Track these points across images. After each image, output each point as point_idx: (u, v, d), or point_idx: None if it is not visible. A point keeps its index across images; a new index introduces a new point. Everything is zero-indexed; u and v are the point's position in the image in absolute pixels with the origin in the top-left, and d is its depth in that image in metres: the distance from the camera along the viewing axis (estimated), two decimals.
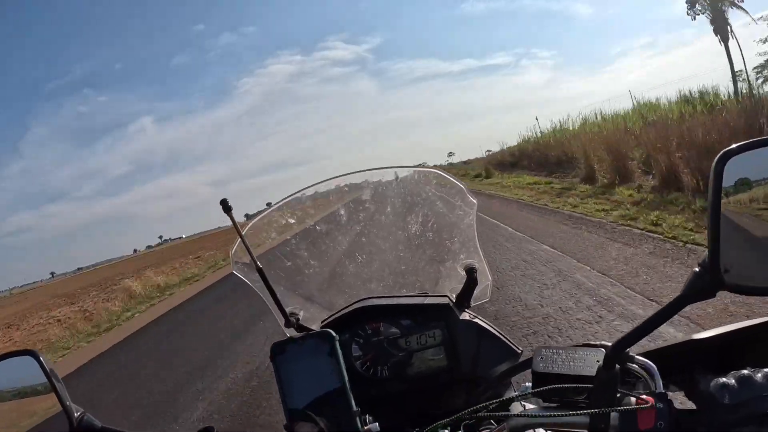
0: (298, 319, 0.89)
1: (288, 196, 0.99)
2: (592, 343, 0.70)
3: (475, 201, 0.93)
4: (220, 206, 0.82)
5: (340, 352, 0.73)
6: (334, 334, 0.74)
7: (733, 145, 0.54)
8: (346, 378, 0.71)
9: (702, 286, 0.55)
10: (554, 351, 0.70)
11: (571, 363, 0.67)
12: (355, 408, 0.70)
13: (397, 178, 1.01)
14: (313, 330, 0.89)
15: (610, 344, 0.66)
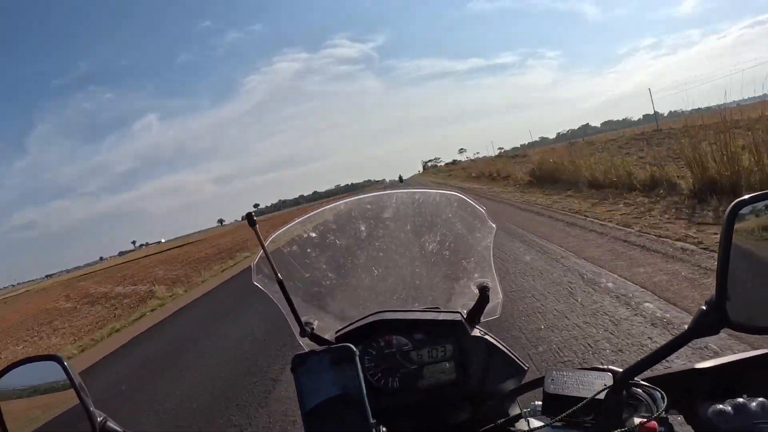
0: (312, 329, 0.96)
1: (310, 213, 1.08)
2: (600, 367, 0.79)
3: (494, 225, 1.00)
4: (246, 219, 0.92)
5: (359, 365, 0.79)
6: (354, 348, 0.80)
7: (746, 195, 0.61)
8: (365, 391, 0.77)
9: (707, 323, 0.62)
10: (564, 374, 0.79)
11: (581, 386, 0.75)
12: (372, 420, 0.76)
13: (419, 198, 1.08)
14: (326, 340, 0.97)
15: (617, 369, 0.75)
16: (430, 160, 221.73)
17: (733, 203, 0.61)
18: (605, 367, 0.78)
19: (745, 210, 0.61)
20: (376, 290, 1.08)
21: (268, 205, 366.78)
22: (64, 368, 0.84)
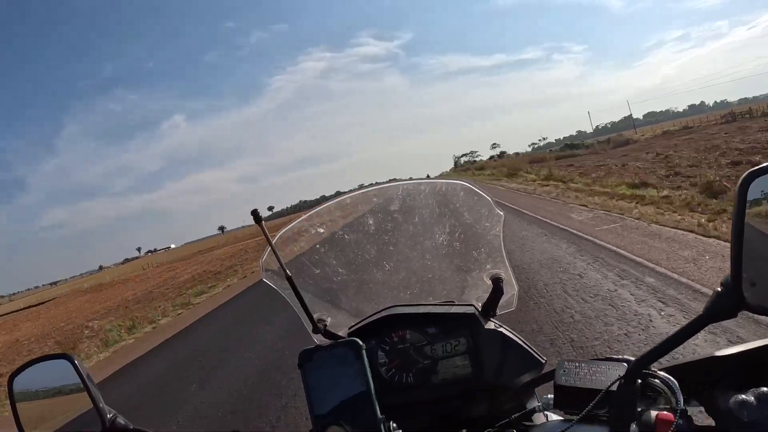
0: (325, 326, 1.00)
1: (318, 207, 1.12)
2: (615, 357, 0.78)
3: (501, 213, 1.01)
4: (251, 216, 0.93)
5: (366, 360, 0.82)
6: (361, 342, 0.83)
7: (758, 166, 0.59)
8: (372, 385, 0.80)
9: (723, 306, 0.61)
10: (576, 364, 0.78)
11: (593, 377, 0.75)
12: (380, 415, 0.79)
13: (425, 189, 1.10)
14: (340, 336, 1.00)
15: (632, 359, 0.74)
16: (463, 155, 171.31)
17: (743, 175, 0.59)
18: (620, 357, 0.78)
19: (757, 181, 0.59)
20: (388, 285, 1.10)
21: (288, 206, 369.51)
22: (75, 366, 0.89)
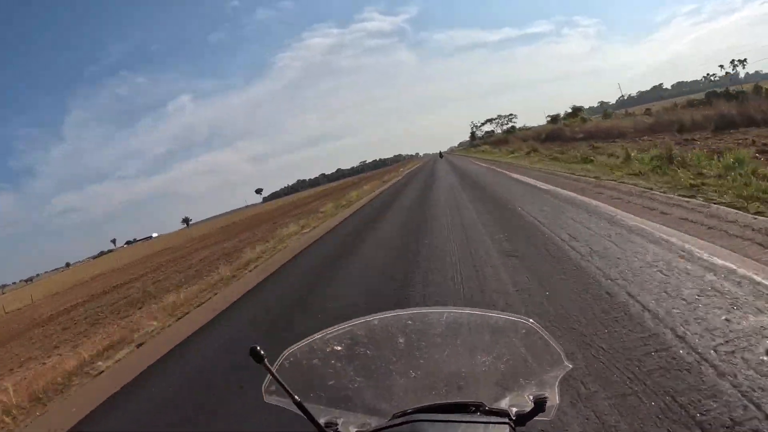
0: (337, 430, 0.97)
1: (340, 327, 1.04)
2: None
3: (570, 365, 0.94)
4: (251, 356, 0.91)
5: None
6: None
7: None
8: None
9: None
10: None
11: None
12: None
13: (476, 321, 1.03)
14: None
15: None
16: (488, 120, 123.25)
17: None
18: None
19: None
20: (412, 387, 1.04)
21: (285, 186, 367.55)
22: None
